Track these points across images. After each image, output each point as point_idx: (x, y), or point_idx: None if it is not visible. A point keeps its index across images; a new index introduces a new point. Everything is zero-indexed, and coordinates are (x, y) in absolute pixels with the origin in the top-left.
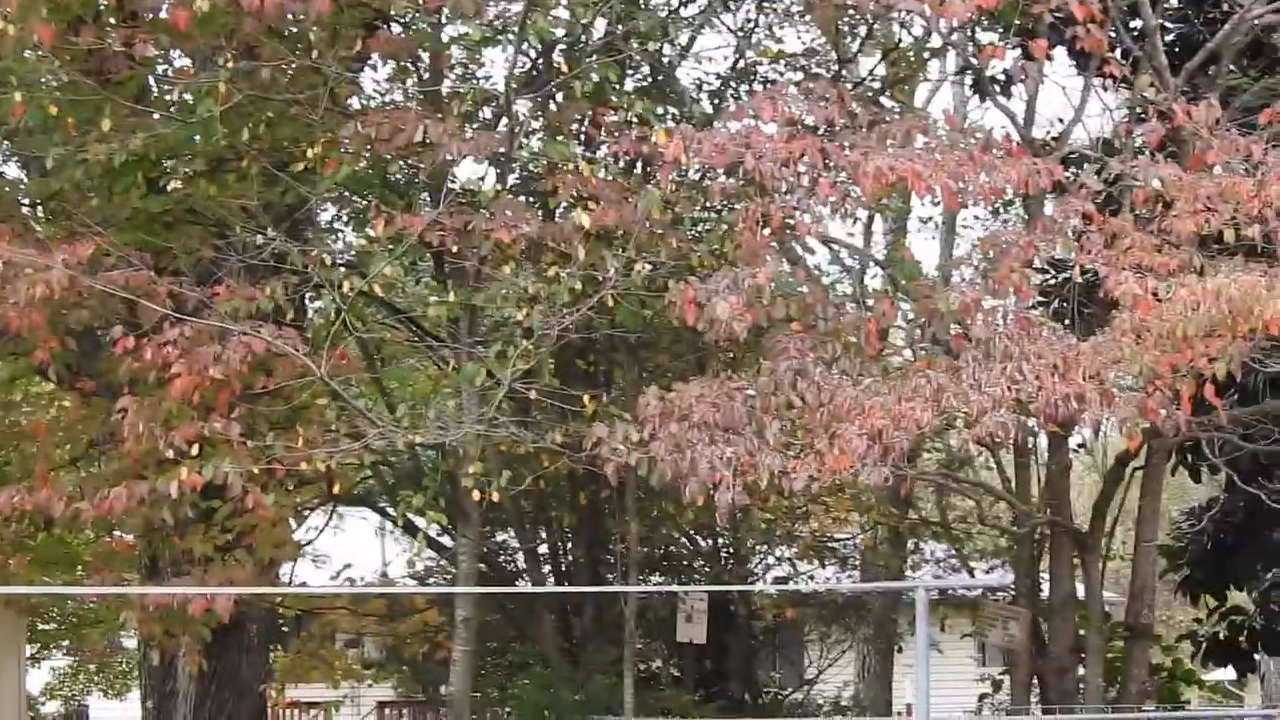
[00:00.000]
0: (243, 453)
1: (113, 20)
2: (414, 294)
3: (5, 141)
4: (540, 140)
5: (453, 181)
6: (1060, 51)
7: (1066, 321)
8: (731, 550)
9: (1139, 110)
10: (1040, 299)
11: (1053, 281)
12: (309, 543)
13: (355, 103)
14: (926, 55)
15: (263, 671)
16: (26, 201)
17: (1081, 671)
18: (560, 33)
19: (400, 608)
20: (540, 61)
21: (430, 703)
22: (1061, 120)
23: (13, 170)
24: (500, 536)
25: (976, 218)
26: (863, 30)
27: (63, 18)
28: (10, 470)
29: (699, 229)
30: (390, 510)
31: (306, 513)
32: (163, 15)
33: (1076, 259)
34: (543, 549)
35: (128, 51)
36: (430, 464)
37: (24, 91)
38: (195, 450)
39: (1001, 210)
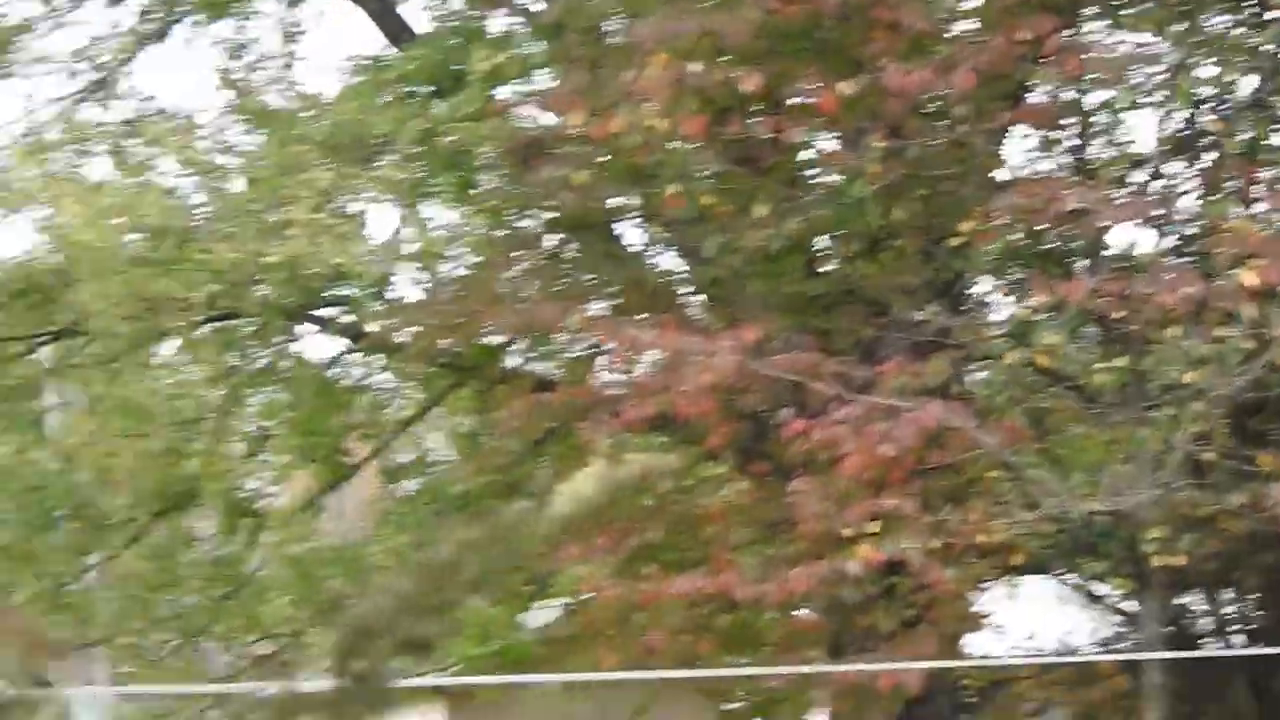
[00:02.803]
0: (919, 528)
1: (758, 108)
2: (1078, 361)
3: (664, 233)
4: (1195, 200)
5: (1106, 247)
6: None
7: None
8: None
9: None
10: None
11: None
12: (989, 615)
13: (1001, 174)
14: None
15: None
16: (688, 290)
17: None
18: (1208, 91)
19: (1088, 675)
20: (1190, 122)
21: None
22: None
23: (669, 261)
24: (1185, 600)
25: None
26: None
27: (710, 109)
28: (690, 555)
29: None
30: (1069, 578)
31: (985, 585)
32: (808, 100)
33: None
34: (1229, 611)
35: (776, 138)
36: (1106, 530)
37: (677, 183)
38: (873, 528)
39: None
